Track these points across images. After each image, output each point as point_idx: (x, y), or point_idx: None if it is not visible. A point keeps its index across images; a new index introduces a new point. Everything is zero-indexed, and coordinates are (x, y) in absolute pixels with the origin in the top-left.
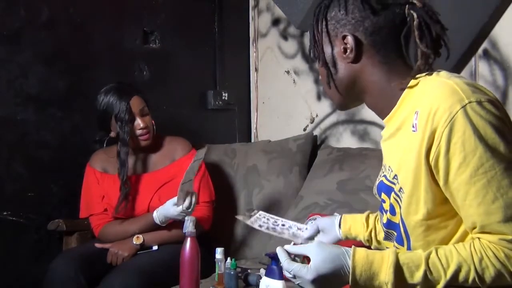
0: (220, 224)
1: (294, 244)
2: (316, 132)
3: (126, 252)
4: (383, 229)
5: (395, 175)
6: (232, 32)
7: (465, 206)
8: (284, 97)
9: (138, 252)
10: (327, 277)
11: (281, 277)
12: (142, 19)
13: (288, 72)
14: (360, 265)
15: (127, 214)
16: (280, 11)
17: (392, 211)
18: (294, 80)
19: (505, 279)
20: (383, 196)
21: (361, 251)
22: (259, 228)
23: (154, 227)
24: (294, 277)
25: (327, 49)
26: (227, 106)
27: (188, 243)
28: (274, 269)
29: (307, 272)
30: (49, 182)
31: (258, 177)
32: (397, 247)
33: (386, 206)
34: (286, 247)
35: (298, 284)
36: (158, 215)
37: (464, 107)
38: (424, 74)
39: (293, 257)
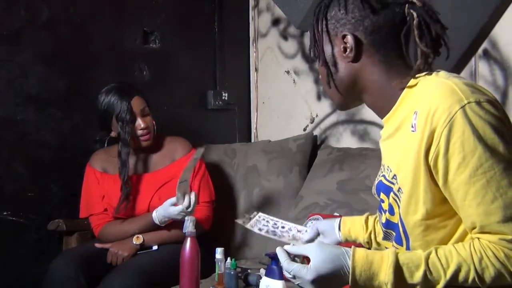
0: (220, 224)
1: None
2: (316, 132)
3: (126, 252)
4: (382, 229)
5: (394, 175)
6: (232, 32)
7: (465, 206)
8: (284, 97)
9: (138, 252)
10: (327, 277)
11: (281, 277)
12: (142, 19)
13: (288, 72)
14: (360, 265)
15: (128, 214)
16: (280, 11)
17: (391, 211)
18: (294, 80)
19: (505, 279)
20: (382, 196)
21: (360, 251)
22: (258, 232)
23: (154, 227)
24: (294, 277)
25: (327, 49)
26: (227, 106)
27: (188, 243)
28: (274, 269)
29: (307, 272)
30: (49, 182)
31: (258, 177)
32: (396, 247)
33: (385, 206)
34: (286, 247)
35: (298, 284)
36: (157, 215)
37: (463, 107)
38: (423, 74)
39: (293, 257)
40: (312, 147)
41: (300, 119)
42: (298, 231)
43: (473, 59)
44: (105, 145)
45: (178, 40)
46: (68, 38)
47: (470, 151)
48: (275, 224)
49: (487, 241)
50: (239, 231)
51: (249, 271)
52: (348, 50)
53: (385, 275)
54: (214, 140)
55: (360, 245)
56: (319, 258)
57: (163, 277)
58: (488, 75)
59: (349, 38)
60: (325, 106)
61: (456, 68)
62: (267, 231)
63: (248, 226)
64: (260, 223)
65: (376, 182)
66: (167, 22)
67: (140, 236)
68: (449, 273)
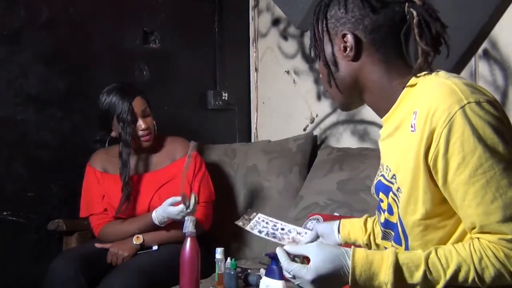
0: (220, 224)
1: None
2: (316, 132)
3: (126, 252)
4: (381, 229)
5: (394, 174)
6: (232, 32)
7: (464, 207)
8: (284, 97)
9: (138, 252)
10: (327, 277)
11: (281, 277)
12: (142, 19)
13: (288, 72)
14: (360, 265)
15: (128, 214)
16: (280, 11)
17: (390, 211)
18: (294, 80)
19: (504, 279)
20: (381, 195)
21: (360, 251)
22: (258, 234)
23: (154, 227)
24: (294, 277)
25: (327, 48)
26: (227, 106)
27: (188, 243)
28: (274, 269)
29: (306, 273)
30: (49, 182)
31: (258, 177)
32: (395, 247)
33: (384, 205)
34: (286, 247)
35: (297, 284)
36: (156, 215)
37: (463, 107)
38: (423, 73)
39: (293, 257)
40: (312, 147)
41: (300, 119)
42: (298, 233)
43: (473, 59)
44: (106, 145)
45: (178, 40)
46: (68, 38)
47: (470, 151)
48: (275, 225)
49: (487, 241)
50: (239, 231)
51: (249, 271)
52: (348, 49)
53: (385, 275)
54: (214, 140)
55: (359, 247)
56: (319, 258)
57: (163, 277)
58: (488, 75)
59: (349, 37)
60: (325, 106)
61: (456, 68)
62: (267, 234)
63: (247, 228)
64: (260, 225)
65: (375, 181)
66: (167, 22)
67: (140, 236)
68: (449, 273)
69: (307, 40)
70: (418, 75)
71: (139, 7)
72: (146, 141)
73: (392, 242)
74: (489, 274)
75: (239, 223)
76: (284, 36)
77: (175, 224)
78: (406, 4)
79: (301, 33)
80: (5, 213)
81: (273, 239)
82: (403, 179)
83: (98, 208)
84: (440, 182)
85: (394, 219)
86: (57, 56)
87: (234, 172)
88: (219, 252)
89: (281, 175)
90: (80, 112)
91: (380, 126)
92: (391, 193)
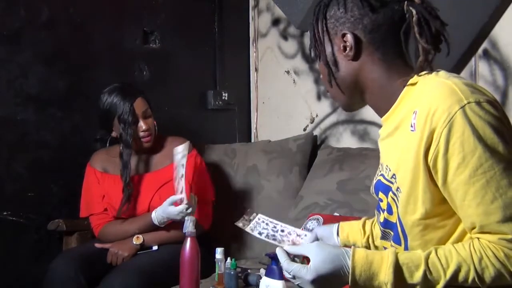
0: (220, 224)
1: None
2: (316, 132)
3: (126, 252)
4: (380, 228)
5: (393, 174)
6: (232, 32)
7: (464, 207)
8: (284, 97)
9: (138, 252)
10: (327, 277)
11: (281, 277)
12: (142, 19)
13: (288, 72)
14: (360, 265)
15: (128, 214)
16: (280, 11)
17: (389, 211)
18: (294, 80)
19: (505, 279)
20: (381, 195)
21: (360, 251)
22: (258, 236)
23: (154, 227)
24: (294, 277)
25: (327, 48)
26: (227, 106)
27: (188, 243)
28: (274, 269)
29: (306, 273)
30: (49, 182)
31: (258, 177)
32: (394, 247)
33: (383, 205)
34: (286, 247)
35: (297, 284)
36: (156, 215)
37: (463, 107)
38: (423, 73)
39: (293, 257)
40: (312, 147)
41: (300, 119)
42: (297, 235)
43: (473, 59)
44: (107, 144)
45: (178, 40)
46: (68, 38)
47: (470, 151)
48: (275, 227)
49: (487, 241)
50: (239, 231)
51: (249, 271)
52: (347, 48)
53: (385, 275)
54: (214, 140)
55: None
56: (319, 258)
57: (163, 277)
58: (488, 75)
59: (349, 37)
60: (325, 106)
61: (456, 68)
62: (267, 235)
63: (247, 229)
64: (260, 226)
65: (374, 181)
66: (167, 22)
67: (140, 236)
68: (449, 273)
69: (307, 40)
70: (419, 74)
71: (139, 7)
72: (146, 142)
73: (391, 242)
74: (489, 274)
75: (239, 224)
76: (284, 36)
77: (175, 224)
78: (405, 2)
79: (301, 33)
80: (5, 213)
81: (273, 241)
82: (402, 178)
83: (98, 208)
84: (440, 182)
85: (393, 218)
86: (57, 56)
87: (234, 172)
88: (219, 252)
89: (281, 175)
90: (80, 112)
91: (380, 126)
92: (390, 193)
